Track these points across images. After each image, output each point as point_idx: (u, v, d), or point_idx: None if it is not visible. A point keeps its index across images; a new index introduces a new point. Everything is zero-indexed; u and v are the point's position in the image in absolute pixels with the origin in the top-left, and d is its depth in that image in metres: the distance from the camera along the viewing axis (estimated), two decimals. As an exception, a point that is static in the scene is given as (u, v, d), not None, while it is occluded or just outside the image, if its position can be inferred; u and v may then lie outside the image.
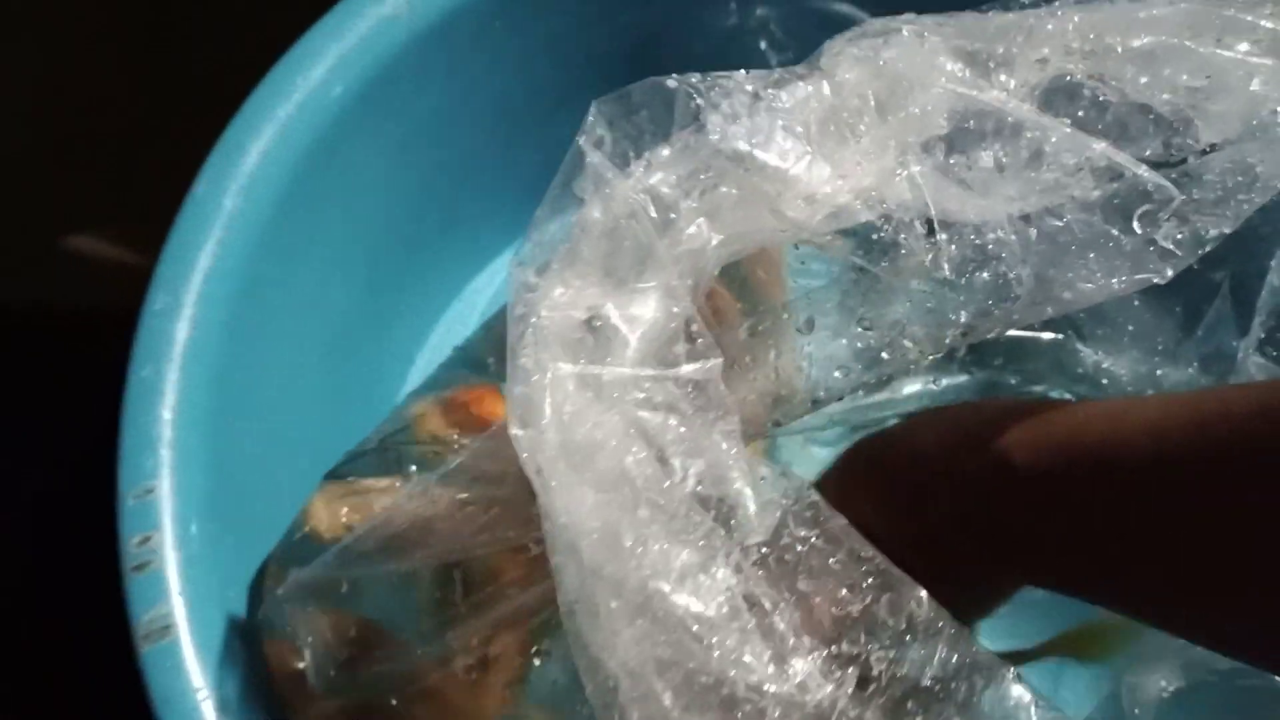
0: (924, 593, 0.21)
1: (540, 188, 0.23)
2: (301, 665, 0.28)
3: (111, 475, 0.29)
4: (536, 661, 0.27)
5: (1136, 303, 0.33)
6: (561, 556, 0.20)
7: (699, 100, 0.22)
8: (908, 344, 0.23)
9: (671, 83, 0.22)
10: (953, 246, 0.22)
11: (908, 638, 0.20)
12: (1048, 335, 0.34)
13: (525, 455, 0.20)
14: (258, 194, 0.32)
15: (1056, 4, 0.23)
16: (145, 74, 0.47)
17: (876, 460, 0.28)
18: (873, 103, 0.22)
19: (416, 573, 0.27)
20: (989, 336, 0.23)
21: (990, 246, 0.22)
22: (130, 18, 0.47)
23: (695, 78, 0.22)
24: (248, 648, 0.29)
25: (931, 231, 0.23)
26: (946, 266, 0.22)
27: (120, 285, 0.33)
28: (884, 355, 0.24)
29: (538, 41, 0.38)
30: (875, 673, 0.20)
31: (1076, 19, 0.24)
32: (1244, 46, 0.21)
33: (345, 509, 0.31)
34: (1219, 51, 0.23)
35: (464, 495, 0.26)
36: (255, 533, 0.31)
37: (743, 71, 0.22)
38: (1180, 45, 0.23)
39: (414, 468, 0.31)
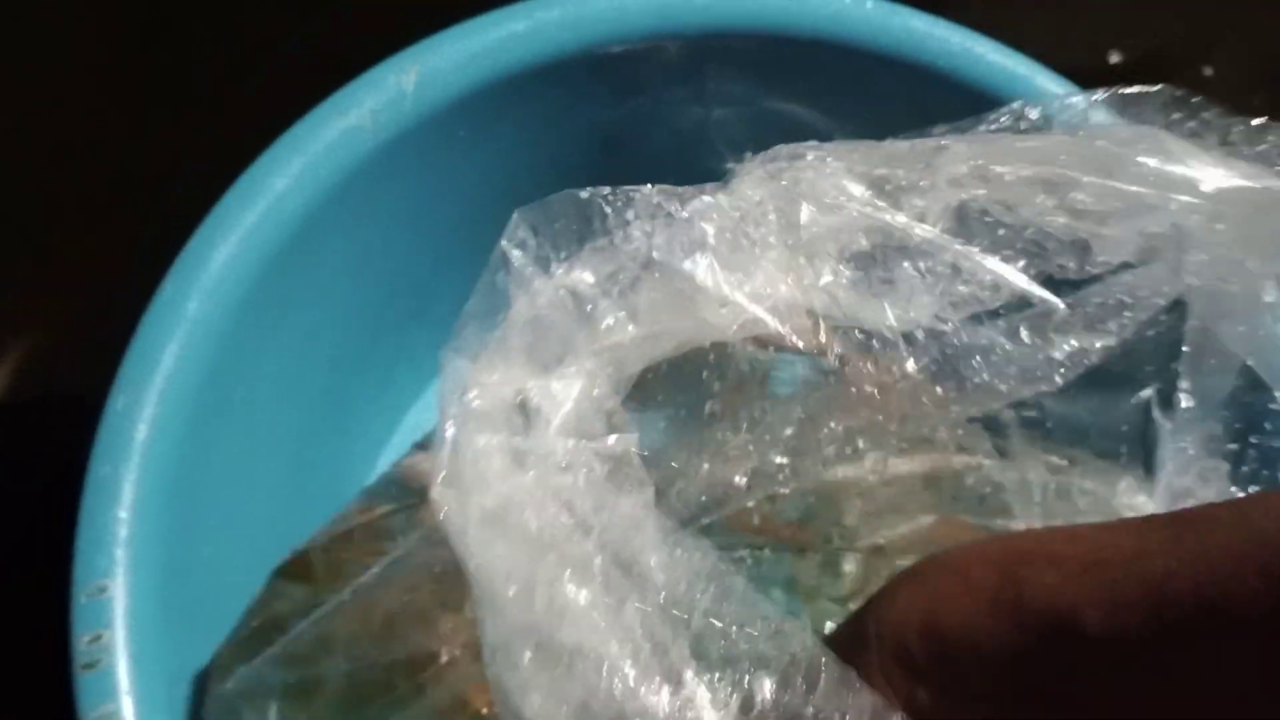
0: (811, 639, 0.21)
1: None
2: None
3: (66, 571, 0.30)
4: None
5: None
6: (481, 609, 0.21)
7: (610, 211, 0.23)
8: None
9: (584, 194, 0.25)
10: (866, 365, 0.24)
11: (793, 676, 0.21)
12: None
13: (444, 512, 0.22)
14: (222, 297, 0.33)
15: (943, 138, 0.25)
16: (138, 77, 0.49)
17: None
18: (775, 219, 0.24)
19: (352, 674, 0.28)
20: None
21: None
22: (122, 19, 0.49)
23: (607, 191, 0.24)
24: (196, 744, 0.30)
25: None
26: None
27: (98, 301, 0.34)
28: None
29: (503, 143, 0.40)
30: (757, 700, 0.21)
31: (965, 148, 0.26)
32: (1127, 176, 0.23)
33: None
34: (1105, 181, 0.25)
35: (401, 591, 0.27)
36: (209, 630, 0.32)
37: (648, 186, 0.24)
38: (1064, 174, 0.25)
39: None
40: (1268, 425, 0.30)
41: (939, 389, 0.25)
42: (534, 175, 0.42)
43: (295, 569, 0.32)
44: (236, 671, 0.30)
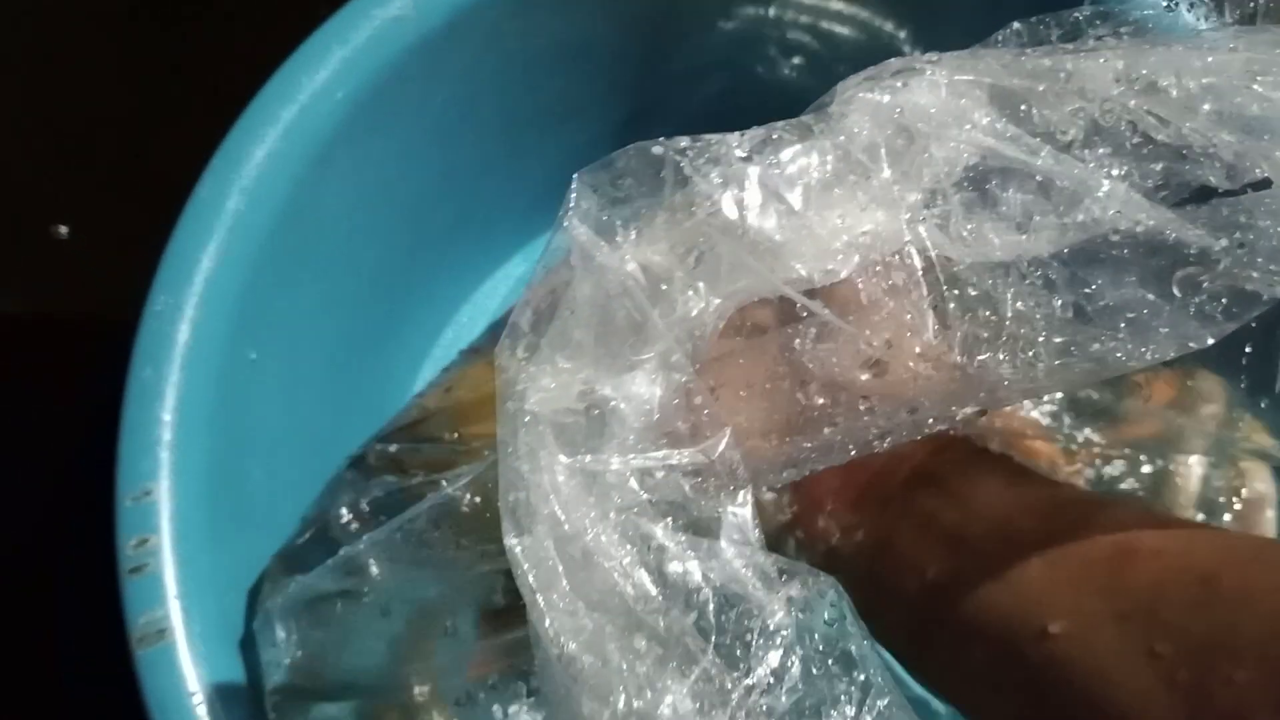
0: None
1: (549, 195, 0.22)
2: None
3: (110, 477, 0.29)
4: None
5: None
6: (551, 687, 0.18)
7: (687, 167, 0.20)
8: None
9: (658, 149, 0.20)
10: (964, 323, 0.21)
11: None
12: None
13: (522, 569, 0.18)
14: (261, 196, 0.32)
15: (1099, 45, 0.22)
16: (146, 69, 0.47)
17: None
18: (885, 156, 0.21)
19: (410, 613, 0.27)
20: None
21: (1008, 322, 0.20)
22: (130, 12, 0.47)
23: (683, 142, 0.20)
24: (244, 653, 0.29)
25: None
26: (957, 350, 0.20)
27: (121, 284, 0.33)
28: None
29: (548, 47, 0.38)
30: None
31: (1122, 62, 0.22)
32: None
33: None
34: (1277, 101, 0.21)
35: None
36: (257, 536, 0.31)
37: (736, 134, 0.20)
38: (1241, 86, 0.21)
39: (419, 475, 0.31)
40: None
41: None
42: (580, 78, 0.40)
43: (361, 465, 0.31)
44: (292, 580, 0.29)
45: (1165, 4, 0.26)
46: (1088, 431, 0.30)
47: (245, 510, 0.31)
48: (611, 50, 0.39)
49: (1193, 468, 0.29)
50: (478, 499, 0.28)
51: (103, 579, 0.28)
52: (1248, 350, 0.27)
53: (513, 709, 0.29)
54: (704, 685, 0.17)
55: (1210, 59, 0.21)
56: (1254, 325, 0.22)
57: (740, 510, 0.18)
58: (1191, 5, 0.28)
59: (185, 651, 0.27)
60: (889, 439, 0.22)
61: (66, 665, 0.39)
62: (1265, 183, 0.20)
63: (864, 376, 0.21)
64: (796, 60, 0.43)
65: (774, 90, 0.43)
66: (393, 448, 0.31)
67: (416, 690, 0.28)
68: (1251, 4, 0.22)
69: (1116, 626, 0.21)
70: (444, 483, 0.28)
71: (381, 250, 0.37)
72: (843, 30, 0.41)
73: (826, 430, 0.21)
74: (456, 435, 0.32)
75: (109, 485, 0.28)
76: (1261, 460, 0.29)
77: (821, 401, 0.21)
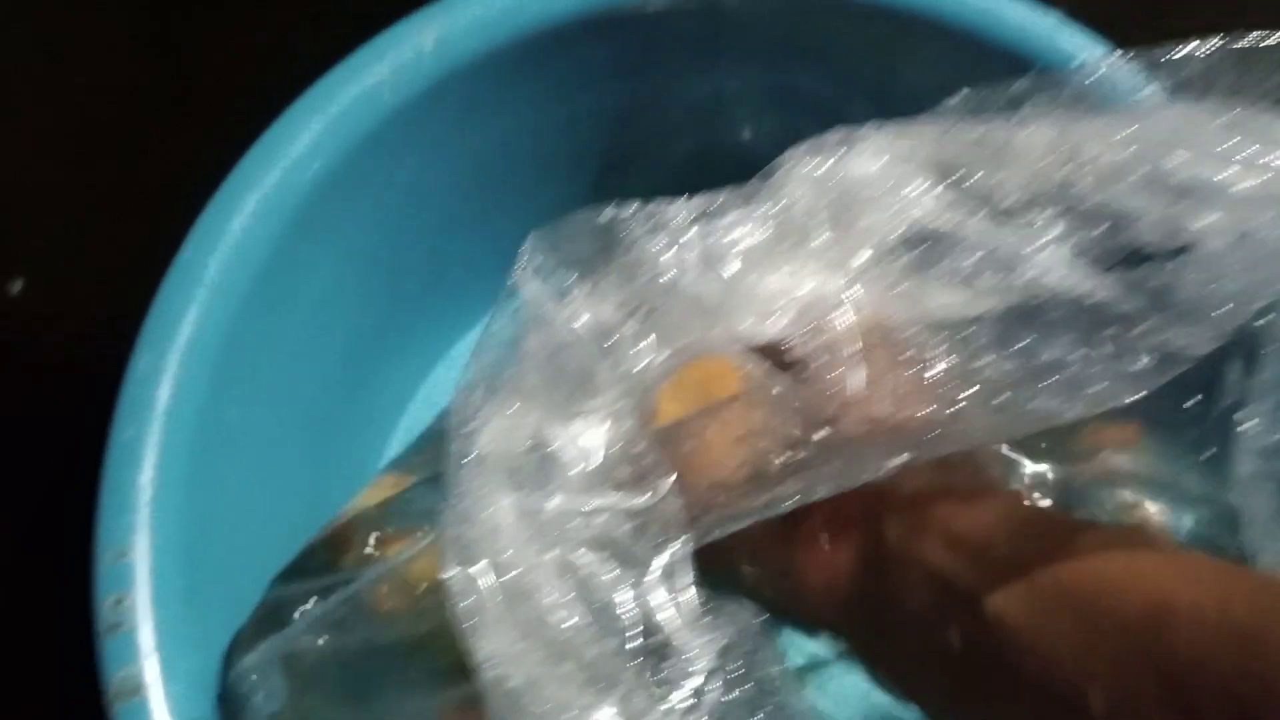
0: None
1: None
2: None
3: (89, 534, 0.29)
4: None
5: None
6: (493, 704, 0.19)
7: (635, 231, 0.22)
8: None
9: (608, 214, 0.22)
10: (896, 378, 0.22)
11: None
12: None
13: (456, 598, 0.20)
14: (241, 262, 0.33)
15: (1034, 112, 0.23)
16: (151, 70, 0.48)
17: None
18: (826, 221, 0.22)
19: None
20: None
21: (942, 375, 0.22)
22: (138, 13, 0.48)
23: (632, 208, 0.22)
24: (220, 709, 0.29)
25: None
26: (889, 402, 0.22)
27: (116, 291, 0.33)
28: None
29: (521, 107, 0.39)
30: None
31: (1055, 131, 0.23)
32: (1230, 161, 0.21)
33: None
34: (1201, 168, 0.22)
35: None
36: (231, 598, 0.32)
37: (683, 199, 0.22)
38: (1165, 153, 0.23)
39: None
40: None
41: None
42: (551, 141, 0.42)
43: (324, 542, 0.31)
44: (262, 643, 0.29)
45: (1101, 72, 0.28)
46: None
47: (220, 570, 0.31)
48: (580, 119, 0.41)
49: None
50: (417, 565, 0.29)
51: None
52: (1186, 406, 0.28)
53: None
54: (625, 706, 0.19)
55: (1137, 127, 0.23)
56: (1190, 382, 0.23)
57: (675, 551, 0.19)
58: (1127, 73, 0.30)
59: (160, 706, 0.28)
60: (830, 486, 0.23)
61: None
62: (1188, 247, 0.21)
63: (817, 434, 0.22)
64: (759, 127, 0.44)
65: (738, 155, 0.44)
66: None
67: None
68: (1183, 72, 0.24)
69: (1158, 685, 0.22)
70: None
71: (359, 310, 0.38)
72: (801, 101, 0.42)
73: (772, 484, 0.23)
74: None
75: (90, 507, 0.29)
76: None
77: (776, 457, 0.23)
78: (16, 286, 0.46)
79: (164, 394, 0.31)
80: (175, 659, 0.29)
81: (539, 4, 0.37)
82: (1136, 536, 0.29)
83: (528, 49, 0.37)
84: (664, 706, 0.19)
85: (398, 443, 0.42)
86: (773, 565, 0.30)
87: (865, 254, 0.23)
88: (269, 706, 0.29)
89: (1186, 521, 0.29)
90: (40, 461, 0.43)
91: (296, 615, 0.29)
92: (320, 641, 0.29)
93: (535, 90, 0.39)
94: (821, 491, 0.22)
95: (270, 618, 0.30)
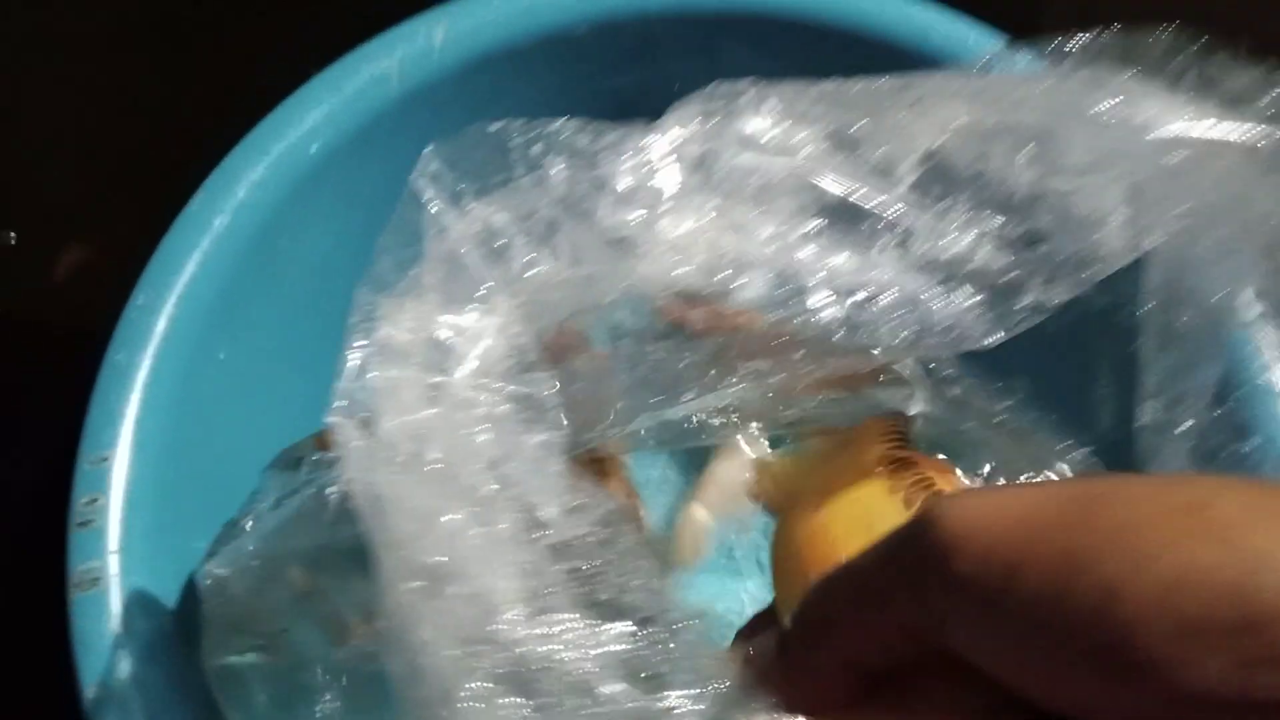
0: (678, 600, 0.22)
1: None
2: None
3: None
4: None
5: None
6: (377, 539, 0.21)
7: (526, 147, 0.24)
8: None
9: (496, 128, 0.24)
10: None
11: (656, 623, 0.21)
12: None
13: (340, 441, 0.21)
14: (245, 216, 0.36)
15: (909, 81, 0.25)
16: (172, 77, 0.51)
17: None
18: (712, 164, 0.24)
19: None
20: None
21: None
22: (158, 20, 0.51)
23: (520, 123, 0.24)
24: (177, 612, 0.32)
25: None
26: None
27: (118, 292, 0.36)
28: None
29: (522, 103, 0.42)
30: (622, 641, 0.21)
31: (959, 92, 0.25)
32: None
33: None
34: (1100, 135, 0.24)
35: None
36: (204, 513, 0.34)
37: (567, 121, 0.24)
38: (1062, 126, 0.25)
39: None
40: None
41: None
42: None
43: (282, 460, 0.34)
44: (221, 550, 0.32)
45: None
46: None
47: (196, 485, 0.34)
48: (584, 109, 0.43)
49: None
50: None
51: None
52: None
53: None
54: (506, 531, 0.21)
55: (1037, 89, 0.25)
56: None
57: (549, 440, 0.21)
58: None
59: (117, 599, 0.30)
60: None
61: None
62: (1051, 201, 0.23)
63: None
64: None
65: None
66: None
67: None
68: (1068, 49, 0.25)
69: None
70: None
71: (352, 279, 0.41)
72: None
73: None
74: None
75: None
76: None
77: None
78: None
79: (159, 326, 0.34)
80: (139, 560, 0.31)
81: (546, 9, 0.40)
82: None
83: (532, 49, 0.40)
84: (537, 534, 0.21)
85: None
86: None
87: (764, 212, 0.25)
88: (228, 610, 0.31)
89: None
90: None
91: (249, 524, 0.31)
92: (276, 547, 0.31)
93: (537, 88, 0.42)
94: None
95: (234, 526, 0.33)
